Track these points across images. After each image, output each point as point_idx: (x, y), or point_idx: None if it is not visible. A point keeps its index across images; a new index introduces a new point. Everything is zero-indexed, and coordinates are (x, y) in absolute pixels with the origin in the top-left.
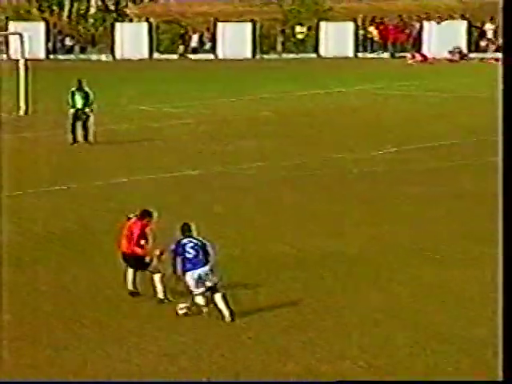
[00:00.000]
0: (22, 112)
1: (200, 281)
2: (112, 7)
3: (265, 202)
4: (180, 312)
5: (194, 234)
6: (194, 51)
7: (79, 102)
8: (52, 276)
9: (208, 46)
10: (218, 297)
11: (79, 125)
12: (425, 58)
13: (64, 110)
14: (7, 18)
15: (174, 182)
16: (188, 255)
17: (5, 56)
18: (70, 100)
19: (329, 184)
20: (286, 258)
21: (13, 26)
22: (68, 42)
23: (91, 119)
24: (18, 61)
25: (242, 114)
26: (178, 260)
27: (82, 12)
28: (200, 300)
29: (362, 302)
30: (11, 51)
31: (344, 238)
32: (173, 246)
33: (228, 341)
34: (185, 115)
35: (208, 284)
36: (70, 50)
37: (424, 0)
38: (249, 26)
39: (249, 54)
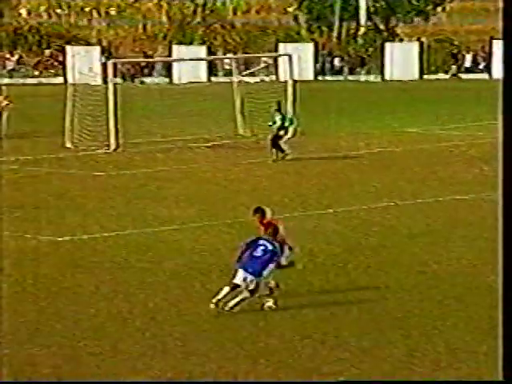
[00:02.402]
0: (289, 134)
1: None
2: (382, 27)
3: None
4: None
5: None
6: (468, 71)
7: (277, 122)
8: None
9: (482, 65)
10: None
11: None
12: None
13: (333, 133)
14: (278, 40)
15: (441, 207)
16: (255, 253)
17: (274, 77)
18: (271, 119)
19: None
20: None
21: (282, 47)
22: (337, 62)
23: (284, 138)
24: (286, 82)
25: None
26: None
27: (351, 32)
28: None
29: None
30: (280, 72)
31: None
32: (246, 242)
33: None
34: (455, 137)
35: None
36: (338, 71)
37: None
38: None
39: None
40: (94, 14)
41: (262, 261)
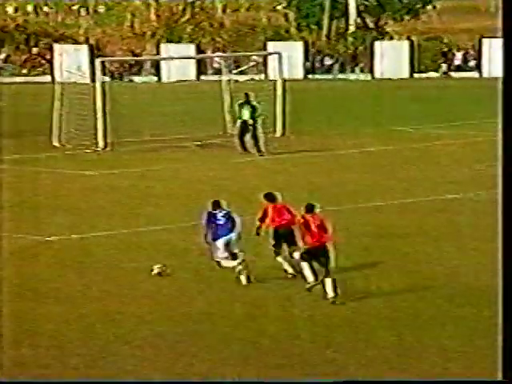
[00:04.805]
0: (278, 133)
1: (227, 247)
2: (372, 25)
3: None
4: (153, 272)
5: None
6: (458, 69)
7: (245, 114)
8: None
9: (472, 63)
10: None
11: (248, 136)
12: None
13: (322, 132)
14: (267, 39)
15: (432, 206)
16: (219, 222)
17: (263, 76)
18: (237, 112)
19: None
20: None
21: (271, 45)
22: (327, 61)
23: (259, 130)
24: (275, 81)
25: None
26: (209, 229)
27: (341, 31)
28: (227, 263)
29: None
30: (269, 71)
31: None
32: (205, 217)
33: None
34: (446, 136)
35: (234, 250)
36: (328, 70)
37: None
38: None
39: None
40: (82, 11)
41: (229, 225)
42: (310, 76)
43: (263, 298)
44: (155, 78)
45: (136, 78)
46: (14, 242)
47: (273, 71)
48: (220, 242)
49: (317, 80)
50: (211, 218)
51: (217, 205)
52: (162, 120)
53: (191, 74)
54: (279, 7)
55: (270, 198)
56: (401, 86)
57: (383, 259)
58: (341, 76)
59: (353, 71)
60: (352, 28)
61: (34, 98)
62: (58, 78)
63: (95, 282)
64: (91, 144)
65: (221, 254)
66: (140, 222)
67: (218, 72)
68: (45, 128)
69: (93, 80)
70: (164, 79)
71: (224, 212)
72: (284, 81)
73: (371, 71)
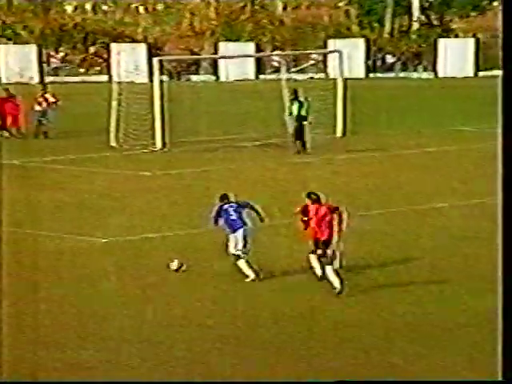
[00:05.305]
0: (339, 133)
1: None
2: (436, 22)
3: None
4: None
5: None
6: None
7: (294, 110)
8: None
9: None
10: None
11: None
12: None
13: (382, 132)
14: (327, 36)
15: (495, 207)
16: (232, 217)
17: (323, 75)
18: (287, 108)
19: None
20: None
21: (332, 43)
22: (389, 59)
23: (307, 128)
24: (336, 79)
25: None
26: (221, 221)
27: (404, 28)
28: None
29: None
30: (329, 70)
31: None
32: (215, 212)
33: None
34: None
35: (238, 247)
36: (390, 68)
37: None
38: None
39: None
40: (141, 10)
41: (240, 219)
42: (371, 74)
43: (311, 299)
44: (213, 77)
45: (194, 77)
46: (71, 243)
47: (333, 70)
48: (240, 233)
49: (378, 79)
50: (222, 212)
51: (226, 198)
52: (220, 119)
53: (250, 72)
54: (341, 4)
55: (312, 197)
56: (465, 84)
57: (443, 261)
58: (403, 74)
59: (415, 70)
60: (415, 25)
61: (91, 97)
62: (115, 78)
63: (152, 285)
64: (149, 144)
65: (240, 246)
66: (197, 224)
67: (277, 71)
68: (102, 128)
69: (151, 79)
70: (222, 78)
71: (235, 206)
72: (345, 79)
73: (434, 70)
